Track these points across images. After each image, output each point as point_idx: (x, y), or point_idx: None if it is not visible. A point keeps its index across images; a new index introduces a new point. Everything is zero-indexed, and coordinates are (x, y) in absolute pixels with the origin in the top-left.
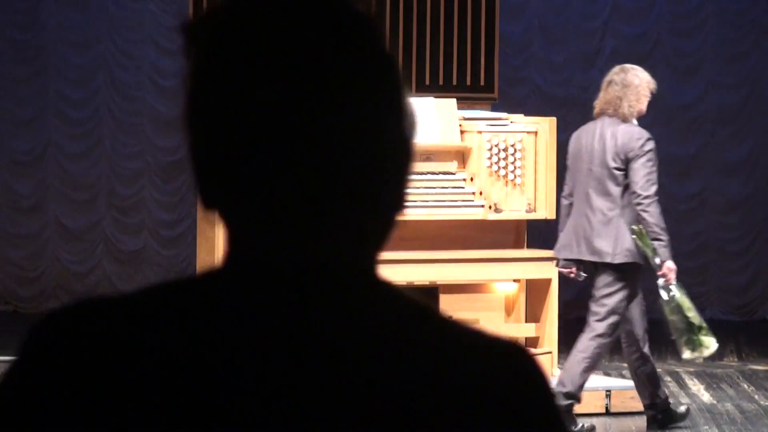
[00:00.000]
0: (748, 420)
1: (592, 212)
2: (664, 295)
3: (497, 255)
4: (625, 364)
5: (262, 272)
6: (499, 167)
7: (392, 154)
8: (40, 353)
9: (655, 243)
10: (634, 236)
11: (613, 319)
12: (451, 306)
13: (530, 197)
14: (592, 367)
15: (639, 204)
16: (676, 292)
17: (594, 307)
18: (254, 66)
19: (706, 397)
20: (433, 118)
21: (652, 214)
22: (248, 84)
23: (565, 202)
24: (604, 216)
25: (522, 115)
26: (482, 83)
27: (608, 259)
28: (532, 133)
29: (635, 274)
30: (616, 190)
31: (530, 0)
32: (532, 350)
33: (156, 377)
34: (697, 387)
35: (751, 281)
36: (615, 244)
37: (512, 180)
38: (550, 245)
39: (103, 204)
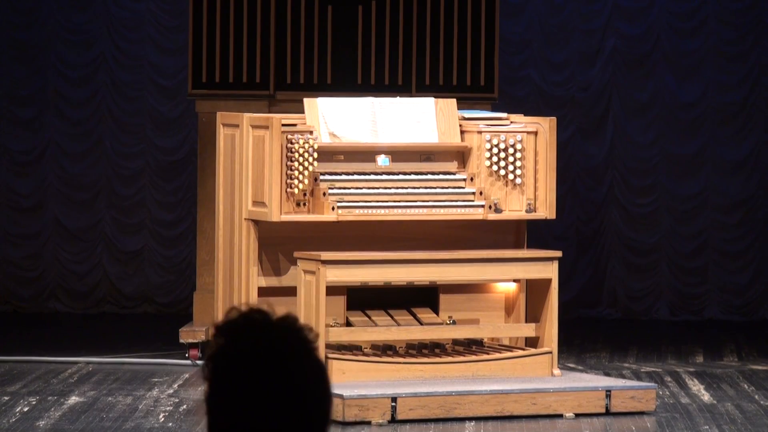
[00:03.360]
0: (748, 420)
1: None
2: None
3: (497, 255)
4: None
5: None
6: (499, 167)
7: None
8: None
9: None
10: None
11: None
12: (451, 306)
13: (530, 197)
14: None
15: None
16: None
17: None
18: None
19: (706, 397)
20: (433, 118)
21: None
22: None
23: None
24: None
25: (522, 115)
26: (482, 83)
27: None
28: (532, 133)
29: None
30: None
31: (530, 0)
32: (531, 350)
33: None
34: (697, 387)
35: (751, 281)
36: None
37: (512, 180)
38: (550, 245)
39: (103, 204)
